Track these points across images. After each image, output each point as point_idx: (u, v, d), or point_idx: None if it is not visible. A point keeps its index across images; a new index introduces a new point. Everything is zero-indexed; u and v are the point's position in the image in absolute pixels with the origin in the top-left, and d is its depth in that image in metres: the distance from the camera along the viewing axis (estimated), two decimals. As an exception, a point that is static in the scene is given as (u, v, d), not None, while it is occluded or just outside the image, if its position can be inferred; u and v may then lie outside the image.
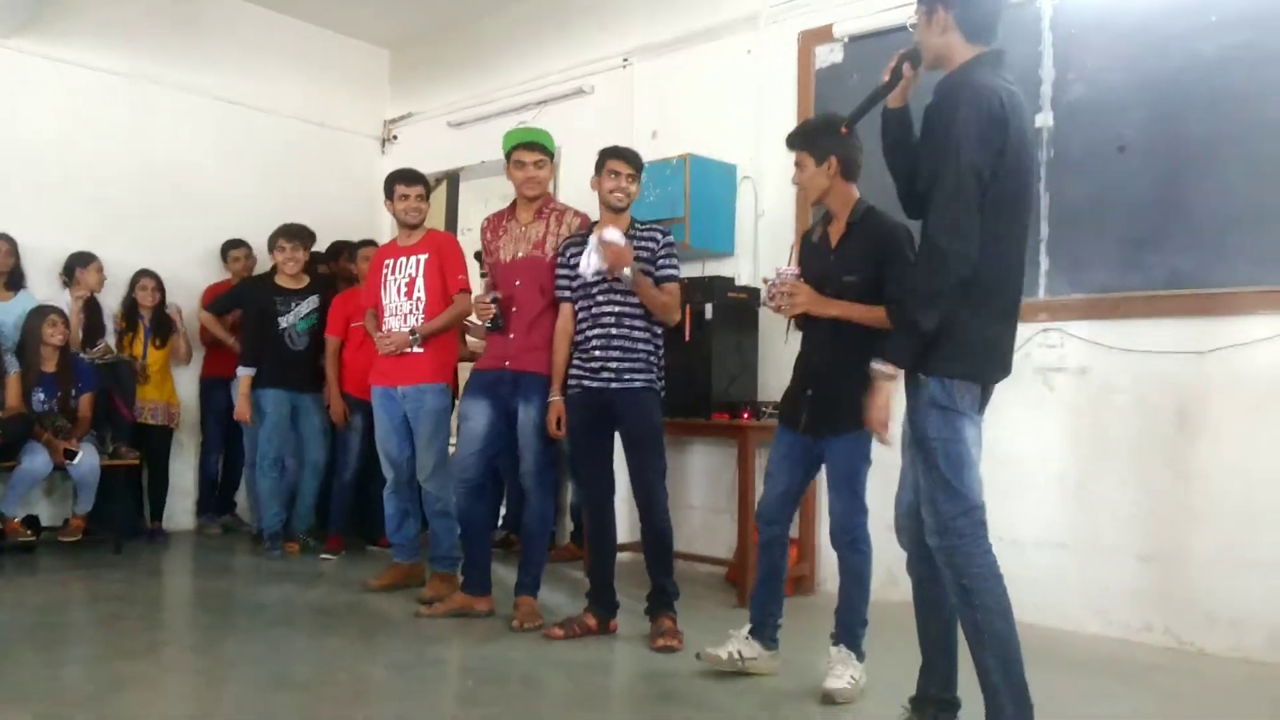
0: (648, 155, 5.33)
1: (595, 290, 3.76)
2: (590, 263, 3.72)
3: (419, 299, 4.48)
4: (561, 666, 3.46)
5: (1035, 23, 4.33)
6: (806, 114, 5.03)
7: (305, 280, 5.70)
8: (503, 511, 5.67)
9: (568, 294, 3.89)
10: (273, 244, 5.73)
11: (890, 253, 3.05)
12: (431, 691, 3.25)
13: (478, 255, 4.65)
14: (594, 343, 3.76)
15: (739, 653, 3.31)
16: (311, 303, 5.64)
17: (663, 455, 3.83)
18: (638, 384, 3.73)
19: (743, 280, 5.11)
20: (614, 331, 3.74)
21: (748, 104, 5.29)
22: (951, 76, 2.45)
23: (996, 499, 4.19)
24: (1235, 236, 3.82)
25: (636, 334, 3.76)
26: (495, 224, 4.22)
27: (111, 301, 5.88)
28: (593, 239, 3.72)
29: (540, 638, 3.75)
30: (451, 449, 4.41)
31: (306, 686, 3.22)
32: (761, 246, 5.20)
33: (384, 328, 4.54)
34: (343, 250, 6.05)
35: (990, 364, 2.46)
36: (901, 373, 2.43)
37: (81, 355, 5.51)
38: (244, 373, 5.53)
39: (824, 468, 3.24)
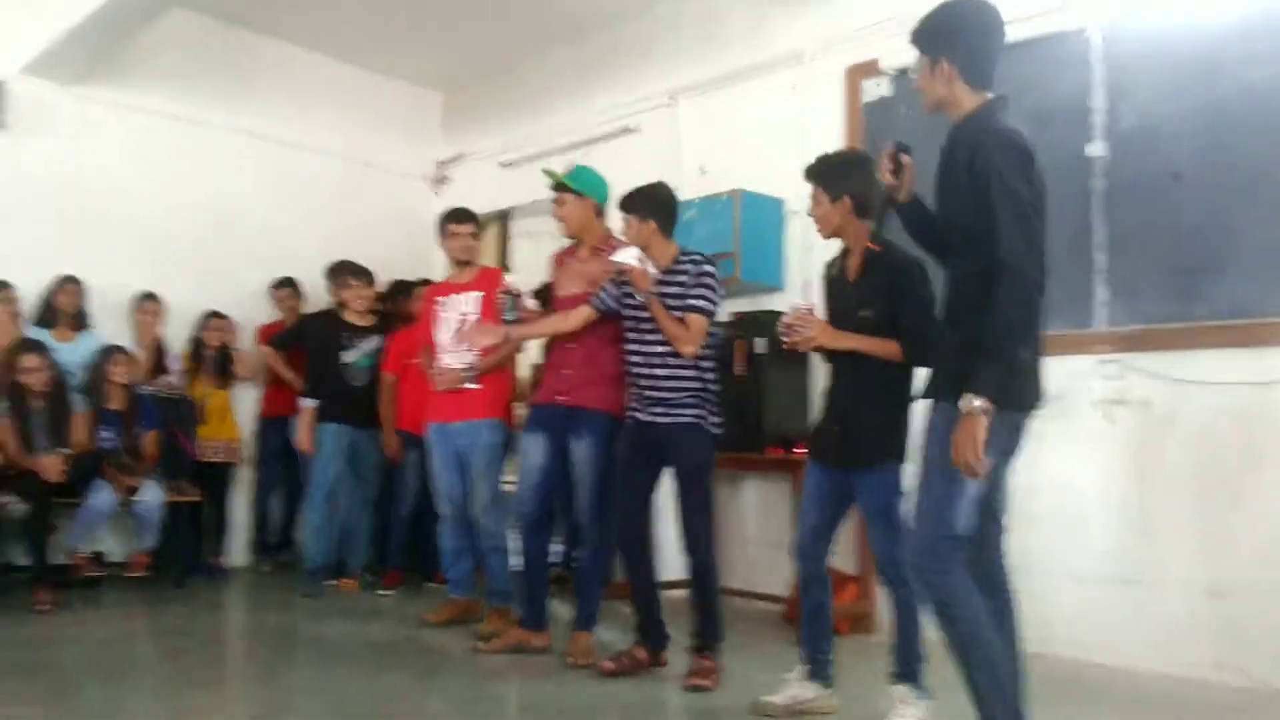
0: (696, 191, 5.42)
1: (645, 324, 3.78)
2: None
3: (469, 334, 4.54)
4: (617, 704, 3.45)
5: (1085, 53, 4.32)
6: (857, 146, 5.05)
7: (371, 319, 5.79)
8: (559, 547, 5.68)
9: (599, 300, 3.89)
10: (339, 281, 5.83)
11: (904, 288, 3.09)
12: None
13: (536, 293, 4.72)
14: (643, 378, 3.77)
15: (795, 697, 3.27)
16: (375, 341, 5.71)
17: (708, 492, 3.76)
18: (686, 419, 3.71)
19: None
20: (659, 368, 3.72)
21: (794, 139, 5.31)
22: (971, 123, 2.53)
23: (1058, 533, 4.20)
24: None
25: (684, 370, 3.71)
26: (560, 259, 4.26)
27: (174, 339, 6.02)
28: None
29: (595, 674, 3.73)
30: (509, 485, 4.44)
31: (366, 717, 3.24)
32: (813, 280, 5.19)
33: (438, 364, 4.60)
34: (402, 290, 6.13)
35: (1028, 393, 2.48)
36: (992, 408, 2.36)
37: (145, 387, 5.63)
38: (307, 404, 5.59)
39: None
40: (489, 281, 4.61)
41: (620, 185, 5.84)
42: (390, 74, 7.35)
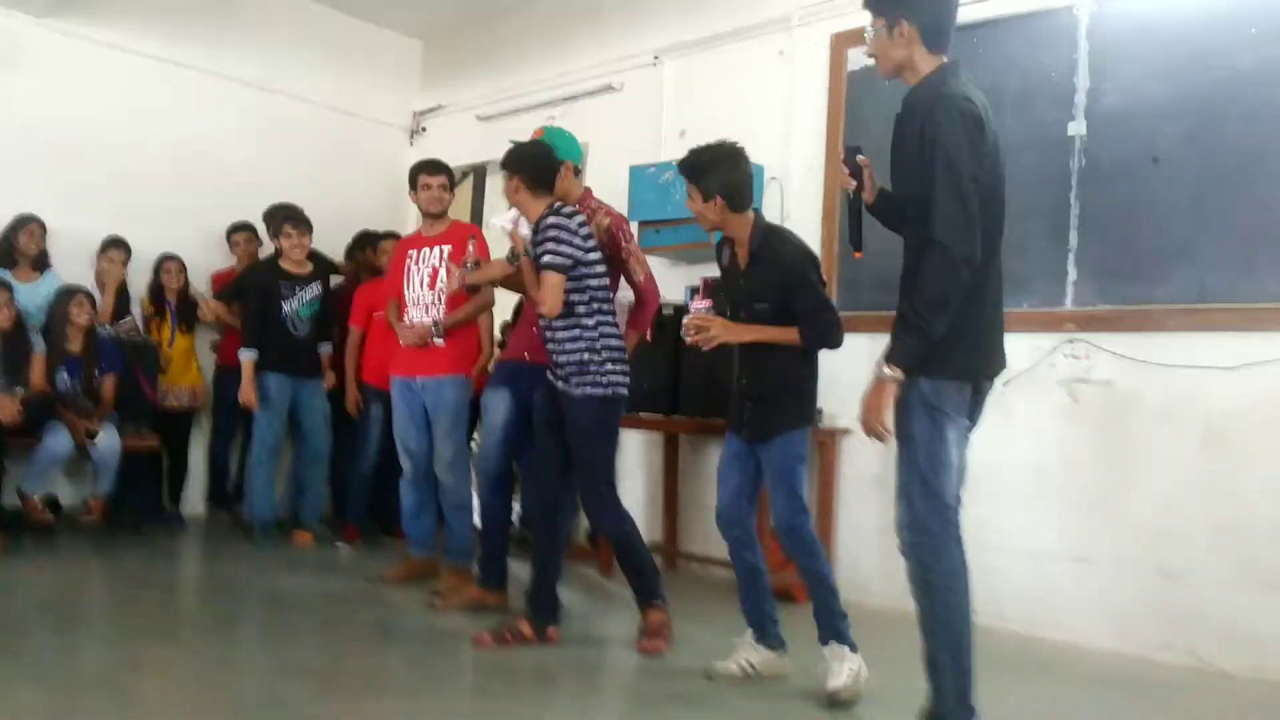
0: (676, 154, 5.33)
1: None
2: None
3: (441, 290, 4.49)
4: (571, 667, 3.46)
5: (1071, 30, 4.28)
6: (837, 116, 5.01)
7: (309, 267, 5.67)
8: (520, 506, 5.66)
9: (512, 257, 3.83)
10: (276, 229, 5.70)
11: (794, 281, 3.17)
12: (444, 685, 3.23)
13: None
14: (545, 342, 3.67)
15: (748, 661, 3.30)
16: (315, 289, 5.62)
17: (598, 462, 3.64)
18: (572, 388, 3.58)
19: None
20: (547, 331, 3.63)
21: (778, 105, 5.27)
22: (924, 87, 2.50)
23: (1016, 508, 4.22)
24: (1267, 251, 3.77)
25: (566, 334, 3.57)
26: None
27: (139, 285, 5.91)
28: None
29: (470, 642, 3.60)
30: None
31: (318, 675, 3.23)
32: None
33: (406, 319, 4.55)
34: (367, 241, 6.05)
35: (979, 363, 2.50)
36: (900, 376, 2.39)
37: (106, 327, 5.52)
38: (247, 356, 5.42)
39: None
40: (460, 235, 4.55)
41: (600, 144, 5.79)
42: (371, 19, 7.18)
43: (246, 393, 5.40)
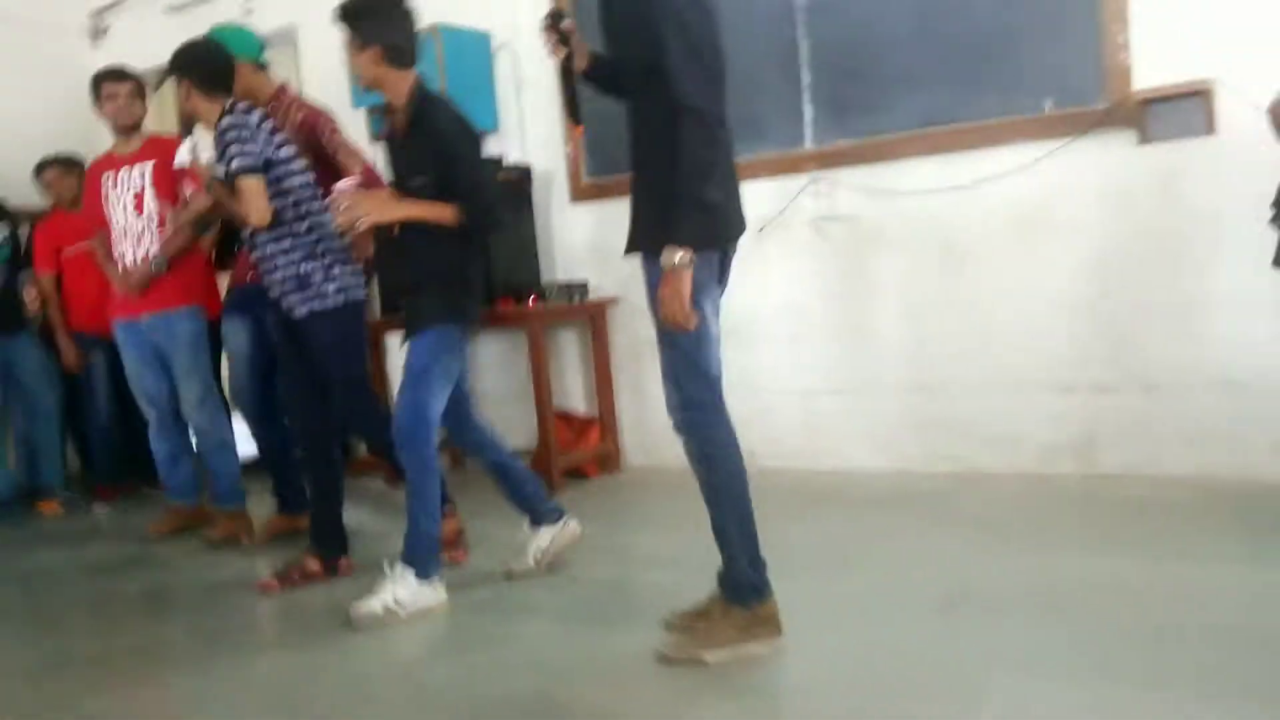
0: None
1: None
2: None
3: (151, 214, 4.04)
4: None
5: None
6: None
7: None
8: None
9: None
10: None
11: (449, 154, 2.94)
12: (234, 647, 2.97)
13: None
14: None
15: (538, 549, 3.24)
16: (2, 231, 4.97)
17: (350, 378, 3.38)
18: (297, 305, 3.29)
19: (512, 158, 4.86)
20: (255, 253, 3.32)
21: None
22: None
23: (779, 352, 4.34)
24: (983, 70, 3.90)
25: (271, 248, 3.26)
26: None
27: None
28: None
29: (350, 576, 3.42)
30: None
31: (91, 662, 2.94)
32: (527, 119, 4.95)
33: (115, 252, 4.07)
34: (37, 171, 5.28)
35: (724, 227, 2.41)
36: (691, 257, 2.28)
37: None
38: None
39: None
40: (160, 151, 4.07)
41: (315, 28, 5.26)
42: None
43: None
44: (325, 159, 3.59)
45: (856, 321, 4.23)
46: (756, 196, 4.19)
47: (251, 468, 4.35)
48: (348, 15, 2.97)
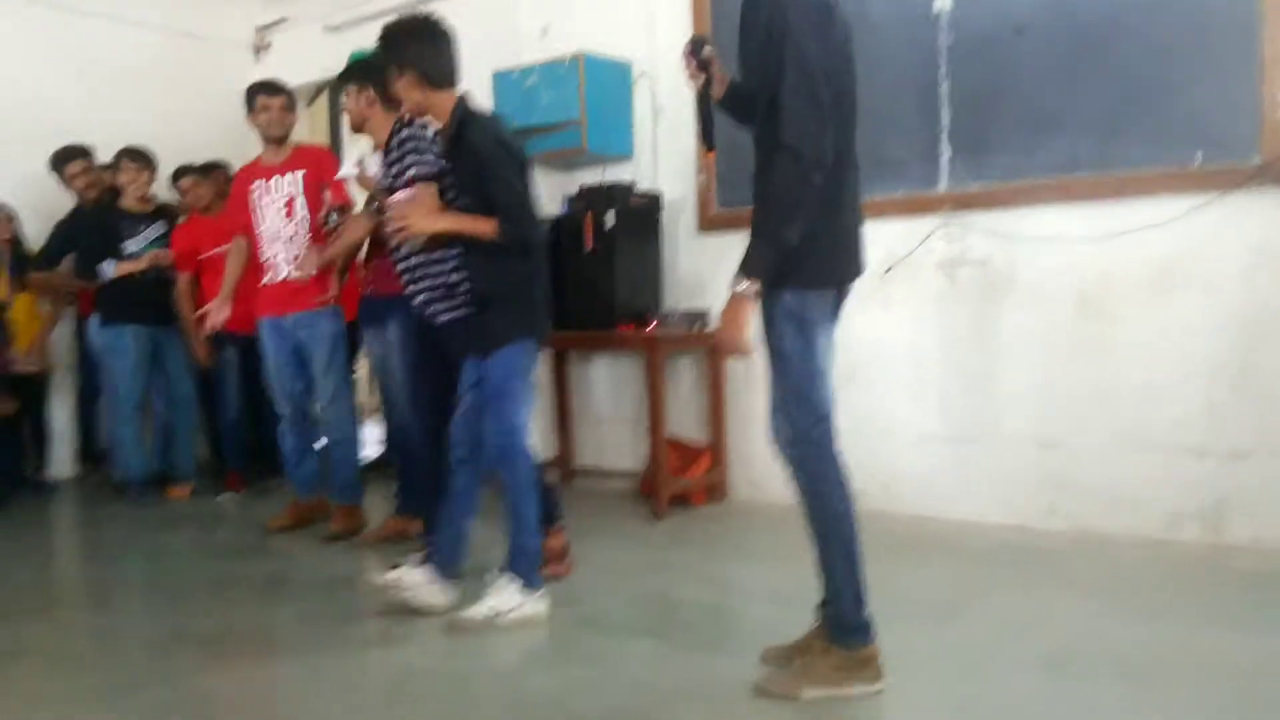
0: (537, 55, 5.11)
1: None
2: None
3: (302, 219, 4.26)
4: (470, 601, 3.33)
5: (929, -99, 4.16)
6: (702, 4, 4.81)
7: (151, 205, 5.32)
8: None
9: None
10: (116, 164, 5.30)
11: (487, 172, 2.98)
12: (342, 639, 3.07)
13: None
14: None
15: (396, 579, 3.18)
16: (159, 228, 5.27)
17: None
18: (441, 315, 3.36)
19: (644, 185, 4.94)
20: (403, 264, 3.38)
21: (639, -4, 5.05)
22: None
23: (900, 393, 4.27)
24: (1131, 118, 3.78)
25: (417, 258, 3.32)
26: None
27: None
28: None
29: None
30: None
31: (206, 641, 3.07)
32: (661, 148, 5.03)
33: (263, 256, 4.30)
34: (178, 176, 5.58)
35: (841, 267, 2.41)
36: (757, 288, 2.29)
37: None
38: (109, 270, 5.09)
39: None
40: (310, 160, 4.30)
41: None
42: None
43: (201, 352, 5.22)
44: None
45: (981, 369, 4.13)
46: (886, 236, 4.18)
47: (374, 469, 4.52)
48: (385, 48, 3.03)
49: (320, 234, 4.20)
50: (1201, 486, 3.67)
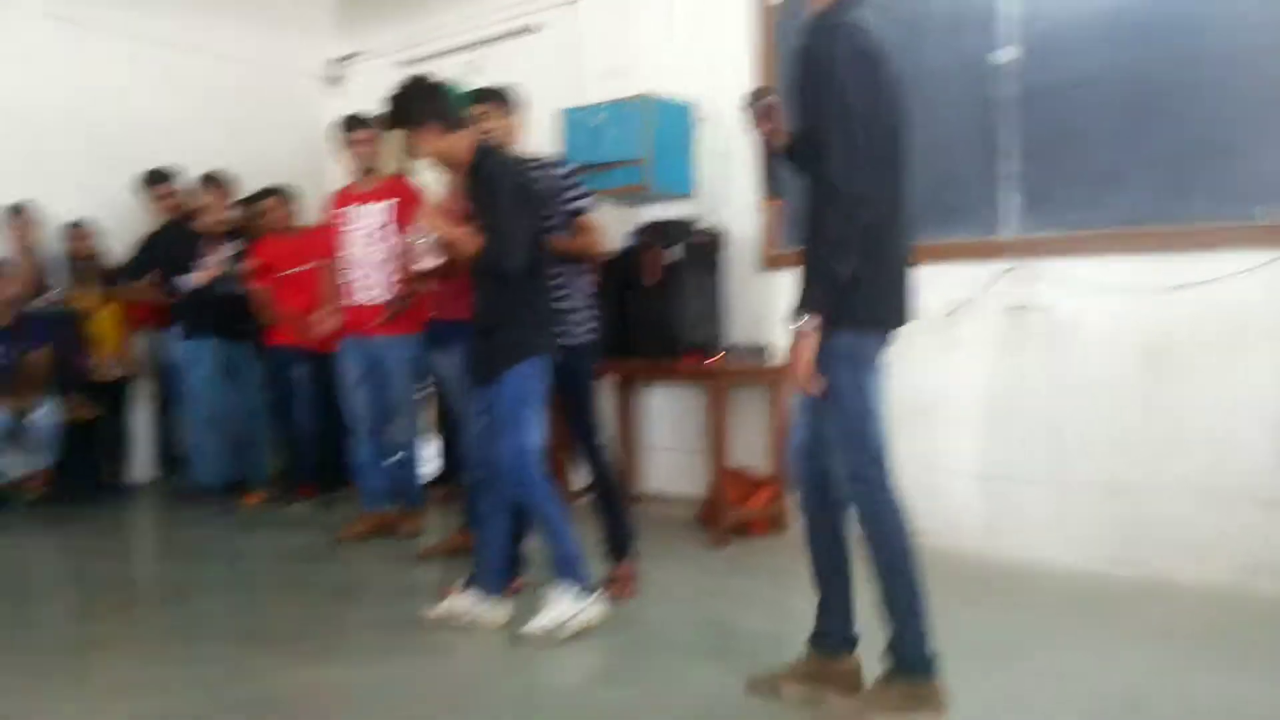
0: (600, 95, 5.27)
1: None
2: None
3: (387, 246, 4.44)
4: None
5: (997, -46, 4.27)
6: (767, 48, 4.94)
7: (225, 226, 5.54)
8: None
9: None
10: (197, 187, 5.57)
11: (488, 197, 3.15)
12: (412, 646, 3.18)
13: None
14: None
15: (449, 609, 3.31)
16: (234, 247, 5.48)
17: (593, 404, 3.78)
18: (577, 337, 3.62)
19: (704, 222, 5.06)
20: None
21: (704, 40, 5.19)
22: (824, 18, 2.43)
23: (966, 435, 4.31)
24: (1197, 171, 3.84)
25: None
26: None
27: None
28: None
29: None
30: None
31: (282, 641, 3.21)
32: (722, 187, 5.14)
33: (347, 279, 4.52)
34: (253, 199, 5.77)
35: (893, 311, 2.49)
36: (818, 324, 2.38)
37: (32, 305, 5.35)
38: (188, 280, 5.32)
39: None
40: (398, 191, 4.50)
41: (521, 89, 5.65)
42: (278, -38, 6.91)
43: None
44: None
45: (1048, 413, 4.15)
46: (950, 280, 4.26)
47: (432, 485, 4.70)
48: (398, 118, 3.22)
49: (402, 262, 4.37)
50: (1274, 537, 3.66)
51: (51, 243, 5.71)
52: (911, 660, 2.45)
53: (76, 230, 5.73)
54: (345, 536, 4.58)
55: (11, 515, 5.10)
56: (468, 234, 3.17)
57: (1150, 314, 3.90)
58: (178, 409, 5.94)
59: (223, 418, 5.49)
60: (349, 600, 3.79)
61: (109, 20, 6.10)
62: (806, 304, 2.37)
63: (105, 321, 5.74)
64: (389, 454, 4.62)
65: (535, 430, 3.18)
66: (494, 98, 3.69)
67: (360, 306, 4.47)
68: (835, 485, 2.51)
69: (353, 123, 4.55)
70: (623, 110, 5.05)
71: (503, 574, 3.32)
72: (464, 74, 5.59)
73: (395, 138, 3.83)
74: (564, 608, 3.15)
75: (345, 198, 4.60)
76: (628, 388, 5.35)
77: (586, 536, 3.44)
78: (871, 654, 2.54)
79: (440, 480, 5.50)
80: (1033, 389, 4.20)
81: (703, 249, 4.88)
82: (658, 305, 4.75)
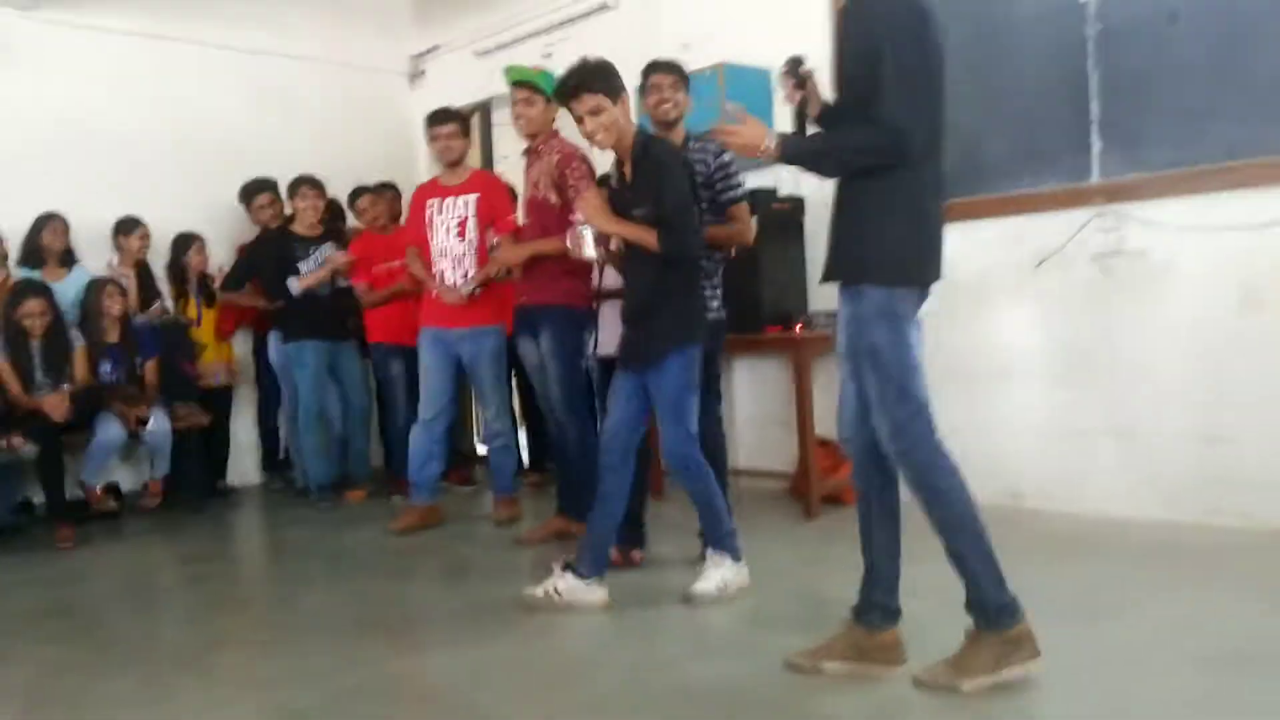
0: (682, 69, 5.23)
1: None
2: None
3: (471, 240, 4.53)
4: (633, 596, 3.45)
5: (1073, -110, 4.10)
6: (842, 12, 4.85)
7: (321, 228, 5.69)
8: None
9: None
10: (293, 192, 5.70)
11: (661, 181, 3.16)
12: (511, 629, 3.25)
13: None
14: None
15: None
16: (330, 248, 5.63)
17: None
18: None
19: (785, 190, 5.01)
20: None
21: (779, 6, 5.12)
22: None
23: (1053, 390, 4.20)
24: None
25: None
26: (526, 162, 4.30)
27: (158, 265, 5.94)
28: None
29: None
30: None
31: (393, 630, 3.34)
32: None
33: (434, 270, 4.59)
34: (354, 197, 5.98)
35: (928, 268, 2.48)
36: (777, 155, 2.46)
37: (139, 318, 5.59)
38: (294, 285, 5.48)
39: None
40: (483, 184, 4.60)
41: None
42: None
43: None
44: (566, 200, 4.00)
45: (1139, 362, 4.03)
46: (1037, 229, 4.15)
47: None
48: (592, 82, 3.17)
49: (485, 255, 4.50)
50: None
51: (157, 255, 5.94)
52: (994, 610, 2.44)
53: (194, 244, 5.91)
54: (392, 531, 4.67)
55: (133, 525, 5.34)
56: (638, 229, 3.18)
57: (1248, 254, 3.74)
58: (279, 412, 6.19)
59: (326, 417, 5.66)
60: (451, 587, 3.91)
61: (192, 33, 6.31)
62: (789, 145, 2.46)
63: (209, 332, 5.98)
64: (445, 447, 4.73)
65: (695, 417, 3.27)
66: (666, 70, 3.77)
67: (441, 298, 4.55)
68: (887, 455, 2.50)
69: (433, 118, 4.62)
70: (697, 82, 4.98)
71: (603, 558, 3.37)
72: (541, 61, 5.64)
73: (551, 110, 4.01)
74: (724, 573, 3.34)
75: (431, 190, 4.70)
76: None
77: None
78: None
79: (530, 468, 5.63)
80: (1124, 337, 4.06)
81: (784, 217, 4.83)
82: (740, 276, 4.72)
